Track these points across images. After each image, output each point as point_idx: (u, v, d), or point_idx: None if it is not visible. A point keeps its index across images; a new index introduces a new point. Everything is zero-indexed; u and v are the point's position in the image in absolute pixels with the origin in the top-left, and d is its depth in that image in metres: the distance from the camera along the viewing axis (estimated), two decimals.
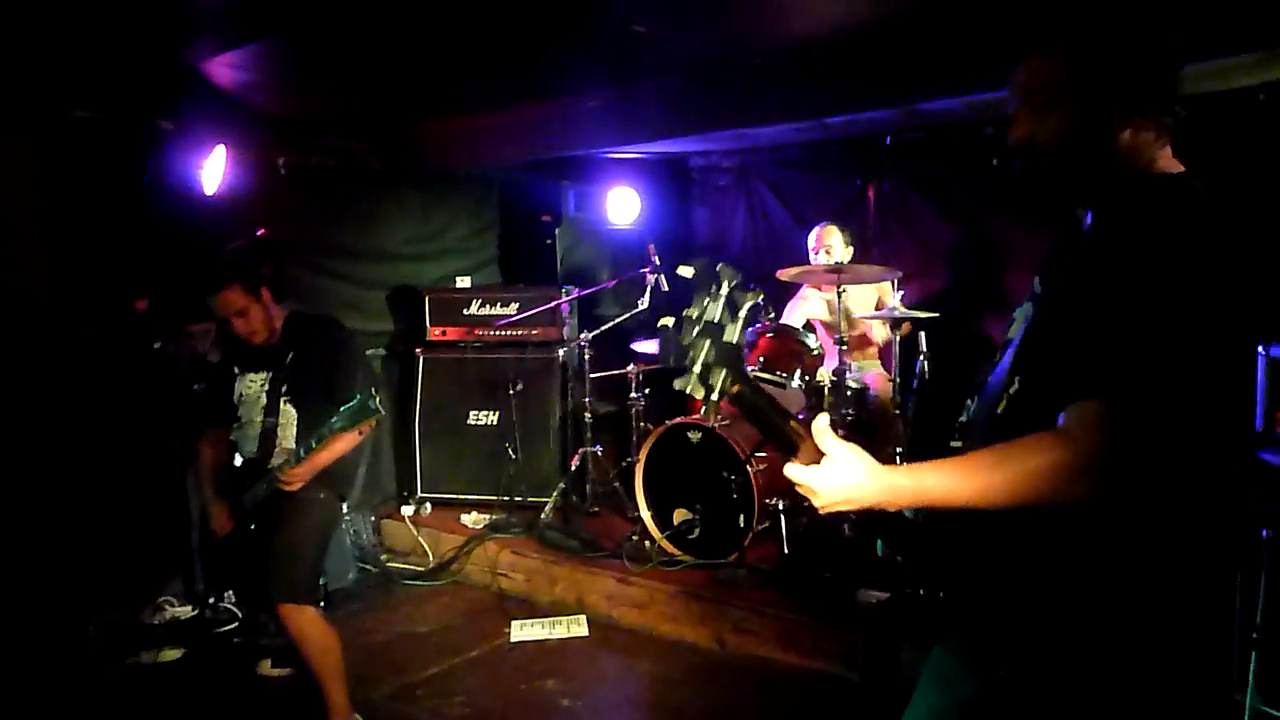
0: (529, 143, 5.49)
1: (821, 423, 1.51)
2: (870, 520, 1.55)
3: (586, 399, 5.50)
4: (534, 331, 5.83)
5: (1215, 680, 1.57)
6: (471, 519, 5.60)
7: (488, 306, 5.94)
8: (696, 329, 1.46)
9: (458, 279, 6.27)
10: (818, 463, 1.50)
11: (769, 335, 4.99)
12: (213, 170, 4.74)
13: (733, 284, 1.47)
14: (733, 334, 1.47)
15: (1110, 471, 1.37)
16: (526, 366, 5.75)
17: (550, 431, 5.77)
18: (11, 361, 4.35)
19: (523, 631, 4.55)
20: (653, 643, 4.42)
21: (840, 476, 1.49)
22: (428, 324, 6.02)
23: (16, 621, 4.16)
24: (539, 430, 5.74)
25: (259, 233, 4.93)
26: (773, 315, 5.13)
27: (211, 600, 4.39)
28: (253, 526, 3.60)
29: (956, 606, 1.61)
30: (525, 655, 4.34)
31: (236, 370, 3.73)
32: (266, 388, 3.65)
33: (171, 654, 4.36)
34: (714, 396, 1.46)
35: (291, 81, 4.61)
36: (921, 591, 1.62)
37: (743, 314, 1.48)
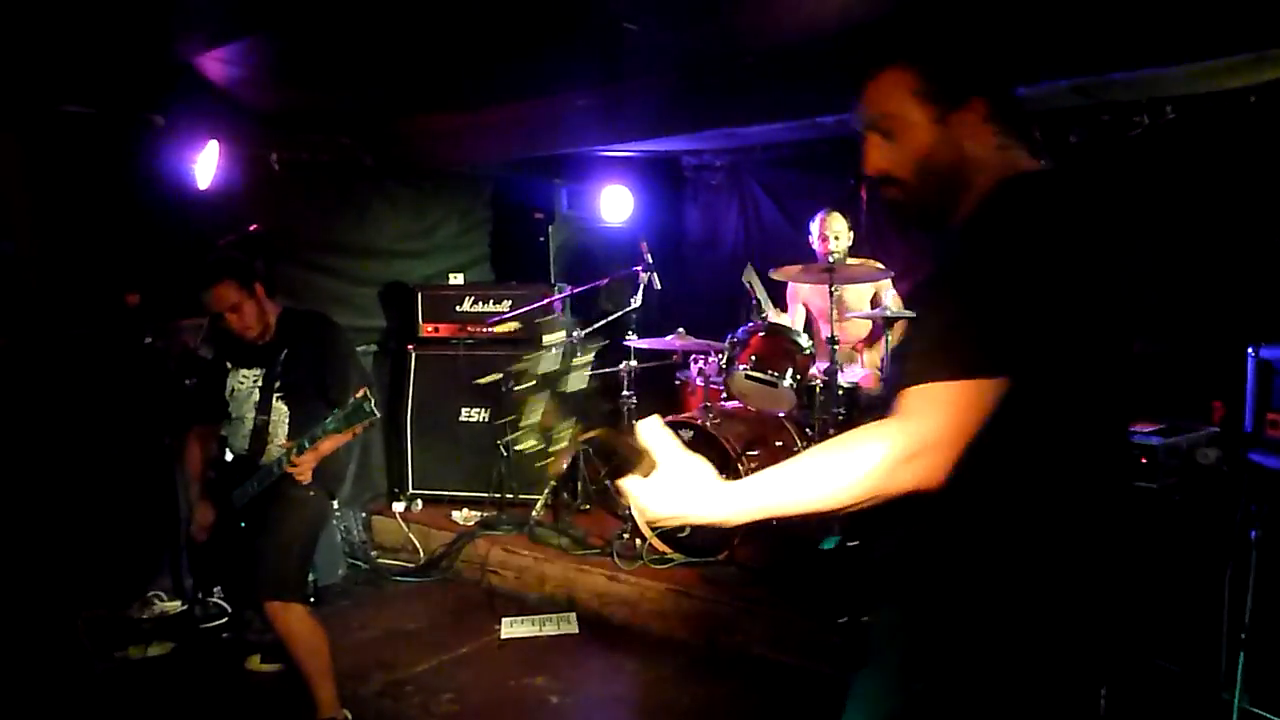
0: (520, 140, 5.48)
1: (651, 423, 1.45)
2: (797, 554, 1.53)
3: None
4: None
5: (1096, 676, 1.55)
6: (462, 516, 5.59)
7: (480, 303, 5.93)
8: (529, 384, 1.42)
9: (450, 276, 6.27)
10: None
11: (761, 334, 4.99)
12: (205, 165, 4.72)
13: (571, 334, 1.45)
14: (572, 383, 1.44)
15: (935, 453, 1.34)
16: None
17: None
18: (2, 356, 4.34)
19: (513, 629, 4.55)
20: (642, 640, 4.42)
21: (671, 488, 1.43)
22: (420, 320, 6.01)
23: (5, 616, 4.14)
24: None
25: (251, 228, 4.91)
26: (765, 315, 5.13)
27: (200, 595, 4.38)
28: (242, 524, 3.59)
29: (868, 626, 1.58)
30: (515, 652, 4.34)
31: (229, 366, 3.72)
32: (259, 384, 3.64)
33: (160, 649, 4.35)
34: (558, 447, 1.41)
35: (284, 77, 4.59)
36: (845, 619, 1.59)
37: (581, 361, 1.44)
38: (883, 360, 4.91)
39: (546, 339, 1.43)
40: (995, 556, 1.47)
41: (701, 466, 1.46)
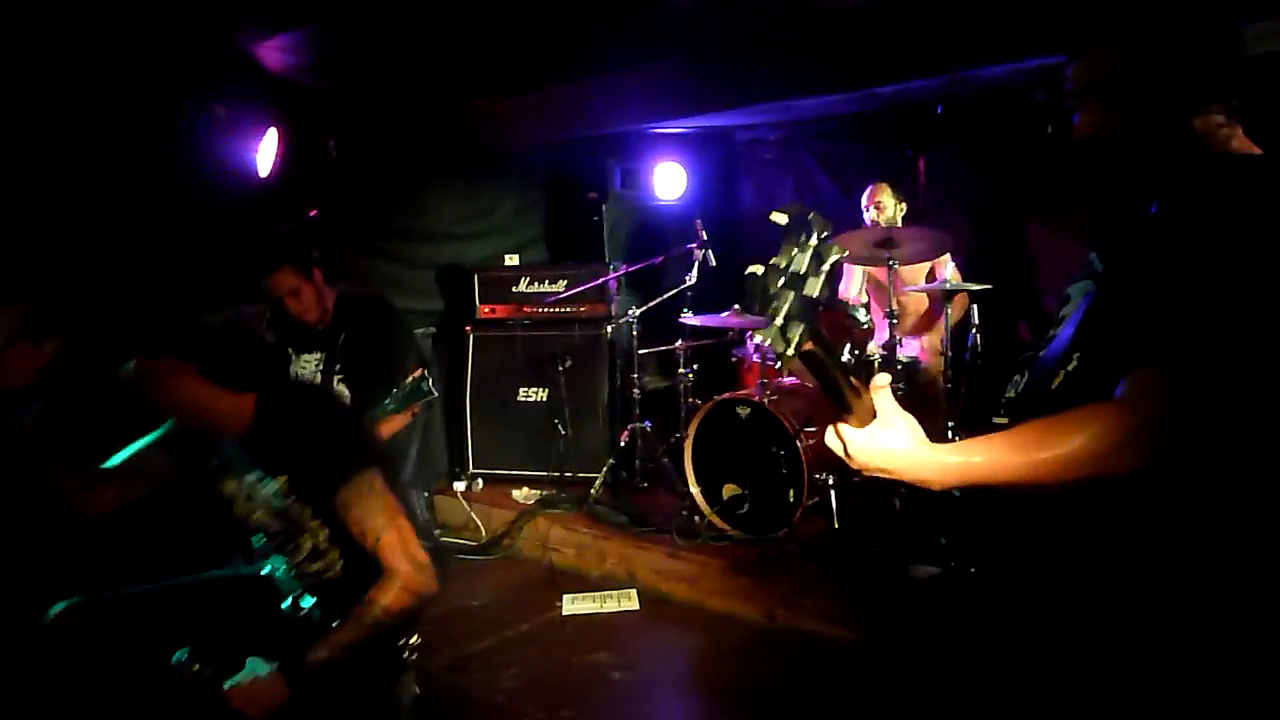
0: (573, 120, 5.49)
1: (881, 380, 1.46)
2: (917, 497, 1.53)
3: (634, 375, 5.51)
4: (582, 308, 5.85)
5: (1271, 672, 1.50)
6: (522, 494, 5.65)
7: (536, 284, 5.97)
8: (782, 280, 1.40)
9: (506, 257, 6.31)
10: (866, 425, 1.45)
11: (819, 310, 4.94)
12: (265, 153, 4.80)
13: (822, 235, 1.40)
14: (814, 287, 1.41)
15: (1166, 440, 1.31)
16: (575, 343, 5.77)
17: (599, 407, 5.80)
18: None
19: (574, 605, 4.59)
20: (703, 616, 4.44)
21: (884, 441, 1.44)
22: (477, 302, 6.06)
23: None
24: (588, 406, 5.77)
25: (310, 214, 4.99)
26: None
27: None
28: None
29: (999, 582, 1.58)
30: (577, 628, 4.39)
31: (290, 352, 3.79)
32: (320, 368, 3.71)
33: None
34: (790, 351, 1.40)
35: (340, 64, 4.65)
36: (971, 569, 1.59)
37: (826, 268, 1.41)
38: (942, 341, 4.82)
39: (814, 237, 1.39)
40: (1168, 539, 1.42)
41: (915, 427, 1.46)
